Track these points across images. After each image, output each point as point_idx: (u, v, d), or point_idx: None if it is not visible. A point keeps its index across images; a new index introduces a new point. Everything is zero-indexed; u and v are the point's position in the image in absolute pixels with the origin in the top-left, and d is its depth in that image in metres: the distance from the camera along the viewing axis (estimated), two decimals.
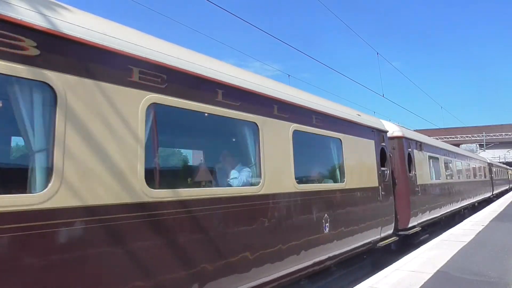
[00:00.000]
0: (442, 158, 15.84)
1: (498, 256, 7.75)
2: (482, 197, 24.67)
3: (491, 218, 14.33)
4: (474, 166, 24.06)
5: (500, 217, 14.79)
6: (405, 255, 8.46)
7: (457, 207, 17.23)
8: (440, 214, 14.32)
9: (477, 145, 64.17)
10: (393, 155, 10.85)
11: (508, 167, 50.81)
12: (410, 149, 11.62)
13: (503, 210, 17.93)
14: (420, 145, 12.82)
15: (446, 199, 15.38)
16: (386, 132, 10.16)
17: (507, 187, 44.11)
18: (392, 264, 7.46)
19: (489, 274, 6.29)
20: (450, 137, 60.85)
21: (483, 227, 12.00)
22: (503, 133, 65.19)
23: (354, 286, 6.07)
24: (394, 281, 6.04)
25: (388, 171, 9.67)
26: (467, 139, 66.16)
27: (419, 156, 12.44)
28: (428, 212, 12.65)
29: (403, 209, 10.63)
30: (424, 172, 12.96)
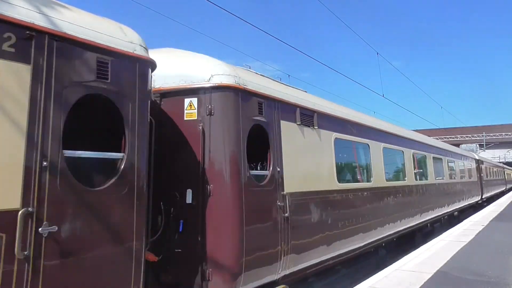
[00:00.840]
0: (378, 146, 9.48)
1: (498, 256, 7.75)
2: (465, 203, 19.22)
3: (491, 218, 14.34)
4: (452, 164, 17.86)
5: (500, 217, 14.79)
6: (405, 255, 8.46)
7: (414, 223, 11.31)
8: (363, 244, 8.02)
9: (477, 145, 64.19)
10: (208, 127, 4.97)
11: (506, 166, 48.58)
12: (263, 118, 5.57)
13: (503, 210, 17.94)
14: (307, 116, 6.64)
15: (383, 216, 9.09)
16: (134, 58, 3.99)
17: (503, 188, 38.50)
18: (392, 264, 7.46)
19: (489, 274, 6.29)
20: (450, 137, 60.89)
21: (483, 227, 12.00)
22: (503, 133, 65.23)
23: (354, 286, 6.07)
24: (394, 281, 6.04)
25: (126, 161, 3.78)
26: (467, 139, 66.19)
27: (300, 136, 6.40)
28: (319, 247, 6.43)
29: (222, 251, 4.80)
30: (313, 168, 6.70)
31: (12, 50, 2.99)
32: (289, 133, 6.08)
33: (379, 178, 9.21)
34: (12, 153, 2.94)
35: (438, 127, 42.40)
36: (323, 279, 7.01)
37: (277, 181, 5.63)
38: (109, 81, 3.65)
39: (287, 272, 5.63)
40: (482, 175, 25.19)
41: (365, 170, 8.95)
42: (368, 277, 6.47)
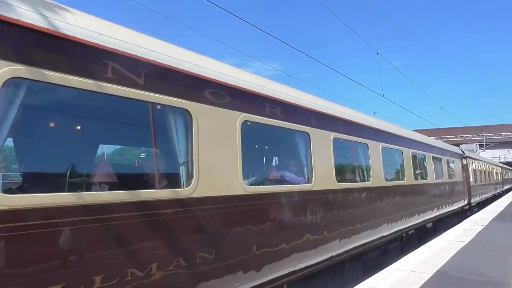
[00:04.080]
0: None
1: (498, 256, 7.75)
2: None
3: (491, 218, 14.34)
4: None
5: (500, 217, 14.79)
6: (405, 255, 8.46)
7: None
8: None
9: (477, 145, 64.22)
10: None
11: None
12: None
13: (503, 210, 17.94)
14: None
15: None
16: None
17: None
18: (392, 264, 7.46)
19: (489, 274, 6.29)
20: (450, 137, 60.92)
21: (483, 227, 12.00)
22: (503, 133, 65.27)
23: (354, 286, 6.07)
24: (394, 281, 6.04)
25: None
26: (467, 139, 66.23)
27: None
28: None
29: None
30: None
31: None
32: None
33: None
34: None
35: (438, 127, 42.41)
36: (323, 279, 7.01)
37: None
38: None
39: None
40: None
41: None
42: (368, 277, 6.48)
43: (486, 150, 59.15)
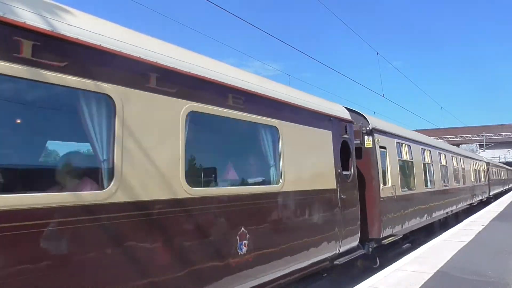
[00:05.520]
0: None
1: (498, 256, 7.76)
2: None
3: (491, 218, 14.35)
4: None
5: (500, 217, 14.80)
6: (406, 255, 8.47)
7: None
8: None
9: (477, 145, 64.22)
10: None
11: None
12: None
13: (503, 210, 17.95)
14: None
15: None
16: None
17: None
18: (392, 264, 7.47)
19: (489, 274, 6.30)
20: (450, 137, 60.92)
21: (483, 227, 12.02)
22: (503, 133, 65.20)
23: (354, 286, 6.08)
24: (394, 281, 6.05)
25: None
26: (467, 139, 66.20)
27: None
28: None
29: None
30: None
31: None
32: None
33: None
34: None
35: (438, 127, 42.45)
36: (322, 279, 7.01)
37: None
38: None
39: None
40: None
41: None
42: (368, 277, 6.49)
43: (486, 150, 59.12)
